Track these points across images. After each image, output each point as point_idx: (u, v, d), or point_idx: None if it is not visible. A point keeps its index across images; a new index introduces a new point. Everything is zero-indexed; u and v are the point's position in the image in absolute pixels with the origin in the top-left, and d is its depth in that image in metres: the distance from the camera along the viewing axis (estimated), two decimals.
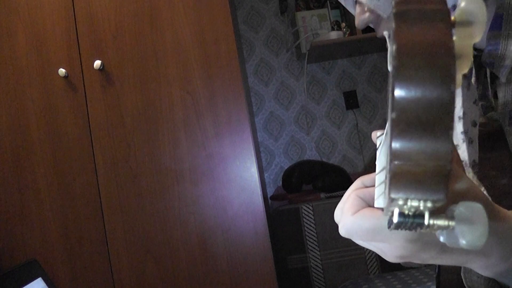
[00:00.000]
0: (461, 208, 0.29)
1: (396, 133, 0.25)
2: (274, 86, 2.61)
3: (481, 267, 0.43)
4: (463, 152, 0.58)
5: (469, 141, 0.59)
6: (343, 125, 2.60)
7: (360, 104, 2.61)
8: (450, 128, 0.25)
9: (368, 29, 2.30)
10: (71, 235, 1.68)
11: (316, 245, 1.91)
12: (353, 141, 2.59)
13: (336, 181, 2.10)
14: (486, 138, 0.60)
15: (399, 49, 0.25)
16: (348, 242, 1.90)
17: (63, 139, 1.71)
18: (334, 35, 2.33)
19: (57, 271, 1.66)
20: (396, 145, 0.26)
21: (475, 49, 0.62)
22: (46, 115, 1.72)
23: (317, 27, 2.49)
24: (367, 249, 1.90)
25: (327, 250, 1.91)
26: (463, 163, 0.58)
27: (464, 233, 0.29)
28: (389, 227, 0.30)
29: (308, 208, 1.93)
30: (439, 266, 0.61)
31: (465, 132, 0.60)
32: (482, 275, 0.46)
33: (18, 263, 1.09)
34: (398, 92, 0.25)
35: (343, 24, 2.43)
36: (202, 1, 1.73)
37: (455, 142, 0.59)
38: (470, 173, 0.57)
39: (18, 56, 1.73)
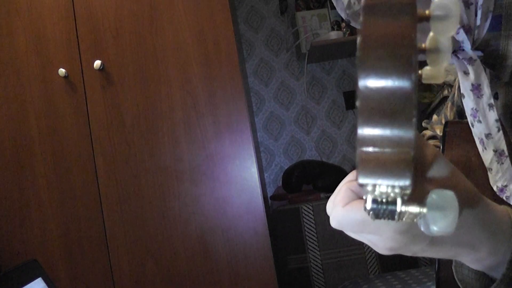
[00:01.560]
0: (433, 196, 0.30)
1: (361, 120, 0.26)
2: (274, 86, 2.61)
3: (471, 261, 0.44)
4: (498, 141, 0.57)
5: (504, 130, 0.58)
6: (343, 125, 2.60)
7: None
8: (412, 116, 0.26)
9: None
10: (71, 235, 1.68)
11: (316, 245, 1.91)
12: (353, 141, 2.59)
13: (336, 181, 2.09)
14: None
15: (364, 41, 0.26)
16: (348, 242, 1.90)
17: (63, 139, 1.71)
18: (334, 35, 2.33)
19: (57, 271, 1.66)
20: (361, 132, 0.27)
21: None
22: (46, 115, 1.72)
23: (317, 27, 2.49)
24: (367, 249, 1.90)
25: (327, 250, 1.91)
26: (498, 152, 0.57)
27: (435, 219, 0.30)
28: (365, 211, 0.31)
29: (308, 208, 1.93)
30: (439, 262, 0.61)
31: (506, 116, 0.59)
32: (472, 269, 0.46)
33: (18, 263, 1.09)
34: (362, 82, 0.26)
35: (343, 24, 2.43)
36: (202, 1, 1.73)
37: (487, 131, 0.58)
38: (506, 163, 0.57)
39: (18, 56, 1.73)
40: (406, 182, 0.27)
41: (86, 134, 1.71)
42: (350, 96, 2.61)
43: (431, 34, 0.30)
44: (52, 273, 1.64)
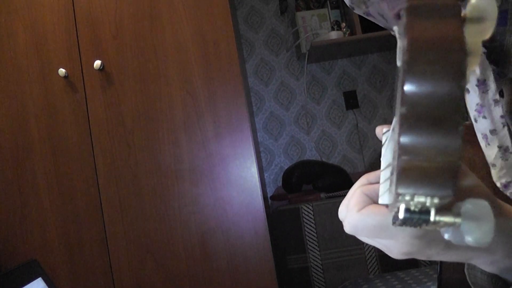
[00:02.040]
0: (468, 205, 0.29)
1: (405, 127, 0.25)
2: (274, 86, 2.61)
3: (486, 263, 0.43)
4: (503, 137, 0.57)
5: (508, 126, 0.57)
6: (343, 125, 2.60)
7: (360, 104, 2.61)
8: (459, 124, 0.25)
9: (368, 29, 2.30)
10: (71, 235, 1.68)
11: (316, 245, 1.91)
12: (353, 141, 2.59)
13: (336, 181, 2.10)
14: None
15: (411, 44, 0.25)
16: (348, 242, 1.90)
17: (63, 139, 1.71)
18: (334, 35, 2.33)
19: (57, 271, 1.66)
20: (404, 139, 0.26)
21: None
22: (46, 115, 1.72)
23: (317, 27, 2.49)
24: (367, 249, 1.90)
25: (327, 250, 1.91)
26: (503, 148, 0.57)
27: (470, 230, 0.29)
28: (393, 223, 0.30)
29: (308, 208, 1.93)
30: (441, 265, 0.61)
31: (504, 116, 0.59)
32: (486, 271, 0.46)
33: (18, 263, 1.09)
34: (409, 87, 0.25)
35: (343, 24, 2.43)
36: (202, 1, 1.73)
37: (492, 127, 0.57)
38: (511, 159, 0.56)
39: (18, 56, 1.73)
40: (449, 193, 0.26)
41: (86, 134, 1.71)
42: (350, 96, 2.61)
43: (464, 35, 0.29)
44: (52, 273, 1.64)
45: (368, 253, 1.90)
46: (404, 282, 1.35)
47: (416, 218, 0.28)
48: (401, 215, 0.28)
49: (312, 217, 1.93)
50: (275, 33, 2.64)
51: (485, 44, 0.60)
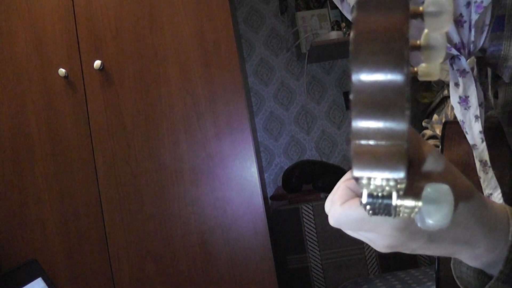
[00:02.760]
0: (428, 189, 0.30)
1: (354, 113, 0.27)
2: (274, 86, 2.61)
3: (469, 258, 0.44)
4: (481, 152, 0.58)
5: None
6: (343, 125, 2.60)
7: None
8: (404, 108, 0.26)
9: None
10: (71, 235, 1.68)
11: (316, 245, 1.91)
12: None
13: (336, 181, 2.07)
14: (485, 135, 0.60)
15: (356, 36, 0.27)
16: (348, 242, 1.90)
17: (63, 139, 1.71)
18: (334, 35, 2.33)
19: (57, 271, 1.66)
20: (355, 125, 0.27)
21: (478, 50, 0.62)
22: (46, 115, 1.72)
23: (317, 27, 2.49)
24: (367, 249, 1.90)
25: (327, 250, 1.91)
26: (482, 163, 0.58)
27: (430, 213, 0.30)
28: (361, 205, 0.31)
29: (308, 208, 1.93)
30: (439, 262, 0.61)
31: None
32: (471, 266, 0.46)
33: (18, 263, 1.09)
34: (355, 76, 0.26)
35: (343, 24, 2.43)
36: (202, 1, 1.73)
37: (472, 142, 0.59)
38: (490, 173, 0.57)
39: (18, 56, 1.73)
40: (400, 175, 0.27)
41: (86, 134, 1.71)
42: None
43: (425, 31, 0.30)
44: (52, 273, 1.64)
45: (368, 253, 1.90)
46: (404, 282, 1.35)
47: (379, 202, 0.30)
48: (364, 199, 0.30)
49: (312, 217, 1.93)
50: (275, 33, 2.64)
51: (484, 48, 0.60)
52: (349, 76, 0.27)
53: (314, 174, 2.13)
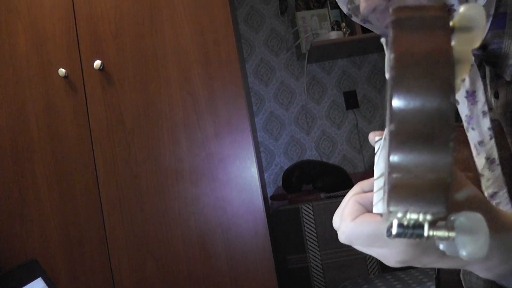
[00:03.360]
0: (462, 218, 0.29)
1: (395, 145, 0.25)
2: (274, 86, 2.61)
3: (481, 270, 0.43)
4: (490, 149, 0.57)
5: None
6: (343, 125, 2.60)
7: (360, 104, 2.61)
8: (450, 140, 0.24)
9: (368, 29, 2.30)
10: (71, 235, 1.68)
11: (316, 245, 1.91)
12: (353, 141, 2.59)
13: (336, 181, 2.10)
14: None
15: (398, 59, 0.25)
16: None
17: (63, 139, 1.71)
18: (334, 35, 2.33)
19: (57, 271, 1.66)
20: (394, 157, 0.25)
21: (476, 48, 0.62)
22: (46, 115, 1.72)
23: (317, 27, 2.49)
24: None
25: (327, 250, 1.91)
26: (490, 160, 0.57)
27: (465, 244, 0.28)
28: (388, 236, 0.29)
29: (308, 208, 1.93)
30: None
31: (492, 128, 0.59)
32: (481, 277, 0.46)
33: (18, 263, 1.09)
34: (397, 103, 0.25)
35: (343, 24, 2.43)
36: (202, 1, 1.73)
37: (480, 139, 0.57)
38: (497, 170, 0.56)
39: (18, 56, 1.73)
40: (441, 209, 0.26)
41: (86, 134, 1.71)
42: (350, 96, 2.61)
43: (452, 44, 0.28)
44: (52, 273, 1.64)
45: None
46: (404, 282, 1.35)
47: (410, 233, 0.28)
48: (394, 230, 0.28)
49: (312, 217, 1.93)
50: (275, 33, 2.64)
51: (483, 46, 0.60)
52: (388, 103, 0.25)
53: (314, 174, 2.13)
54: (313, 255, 1.91)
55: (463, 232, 0.28)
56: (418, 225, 0.28)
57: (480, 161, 0.58)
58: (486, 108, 0.57)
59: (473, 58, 0.59)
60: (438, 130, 0.24)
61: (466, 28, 0.28)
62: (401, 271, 1.51)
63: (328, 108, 2.60)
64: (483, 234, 0.28)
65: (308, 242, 1.92)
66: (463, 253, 0.28)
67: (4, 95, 1.73)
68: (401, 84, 0.24)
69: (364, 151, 2.58)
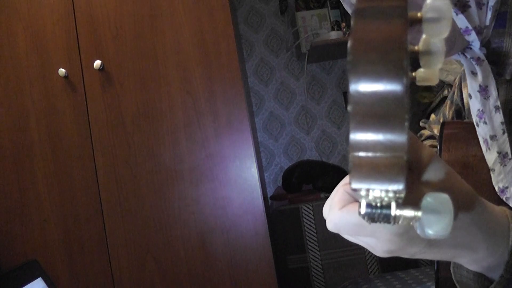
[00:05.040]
0: (428, 199, 0.30)
1: (353, 125, 0.26)
2: (274, 86, 2.61)
3: (469, 262, 0.44)
4: (502, 143, 0.57)
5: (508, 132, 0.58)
6: (343, 125, 2.60)
7: None
8: (404, 119, 0.26)
9: None
10: (71, 235, 1.68)
11: (316, 245, 1.91)
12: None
13: (336, 181, 2.07)
14: None
15: (354, 45, 0.26)
16: (348, 242, 1.90)
17: (63, 139, 1.71)
18: (334, 35, 2.33)
19: (57, 271, 1.66)
20: (353, 136, 0.26)
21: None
22: (46, 115, 1.72)
23: (317, 27, 2.49)
24: (367, 249, 1.90)
25: (327, 250, 1.91)
26: (502, 154, 0.57)
27: (430, 223, 0.29)
28: (359, 215, 0.30)
29: (308, 208, 1.93)
30: (438, 263, 0.61)
31: (506, 113, 0.59)
32: (471, 270, 0.46)
33: (18, 263, 1.09)
34: (353, 86, 0.26)
35: (343, 24, 2.43)
36: (202, 1, 1.73)
37: (492, 133, 0.58)
38: (509, 165, 0.56)
39: (18, 56, 1.73)
40: (400, 187, 0.27)
41: (86, 134, 1.71)
42: None
43: (424, 36, 0.30)
44: (52, 273, 1.64)
45: (368, 253, 1.90)
46: (404, 282, 1.35)
47: (378, 212, 0.29)
48: (363, 210, 0.29)
49: (312, 217, 1.93)
50: (275, 33, 2.64)
51: (485, 45, 0.60)
52: (347, 86, 0.26)
53: (314, 174, 2.13)
54: (313, 255, 1.91)
55: (429, 212, 0.29)
56: (386, 206, 0.29)
57: (491, 156, 0.58)
58: (498, 103, 0.57)
59: (483, 49, 0.59)
60: (393, 111, 0.26)
61: (433, 19, 0.29)
62: (401, 271, 1.51)
63: (328, 108, 2.61)
64: (448, 213, 0.29)
65: (308, 242, 1.92)
66: (429, 232, 0.29)
67: (4, 95, 1.73)
68: (357, 68, 0.26)
69: None
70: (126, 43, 1.73)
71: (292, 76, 2.61)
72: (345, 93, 2.61)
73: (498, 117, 0.57)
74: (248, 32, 2.63)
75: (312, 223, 1.92)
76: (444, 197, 0.30)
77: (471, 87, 0.59)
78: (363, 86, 0.26)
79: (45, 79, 1.73)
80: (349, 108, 0.26)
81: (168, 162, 1.69)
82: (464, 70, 0.66)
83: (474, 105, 0.59)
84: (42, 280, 1.04)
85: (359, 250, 1.90)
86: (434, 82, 0.31)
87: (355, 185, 0.27)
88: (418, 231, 0.31)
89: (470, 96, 0.60)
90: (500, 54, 0.59)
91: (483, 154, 0.59)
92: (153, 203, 1.68)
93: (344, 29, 2.40)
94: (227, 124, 1.69)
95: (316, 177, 2.13)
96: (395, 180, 0.27)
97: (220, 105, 1.70)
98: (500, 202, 0.57)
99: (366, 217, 0.30)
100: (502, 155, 0.57)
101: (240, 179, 1.68)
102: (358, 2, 0.27)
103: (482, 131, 0.59)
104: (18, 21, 1.74)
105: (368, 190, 0.28)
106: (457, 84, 0.84)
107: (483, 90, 0.58)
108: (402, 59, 0.25)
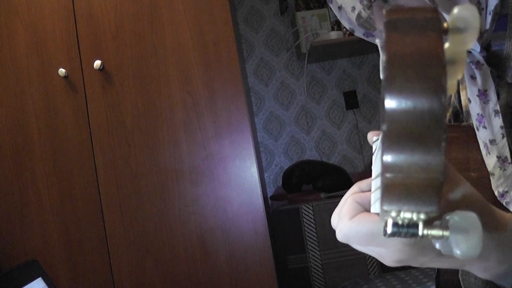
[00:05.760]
0: (456, 218, 0.29)
1: (387, 145, 0.25)
2: (274, 86, 2.61)
3: (479, 270, 0.43)
4: (502, 148, 0.57)
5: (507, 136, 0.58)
6: (343, 125, 2.60)
7: (360, 104, 2.61)
8: (441, 140, 0.25)
9: None
10: (71, 235, 1.68)
11: (316, 245, 1.91)
12: (353, 141, 2.59)
13: (336, 181, 2.10)
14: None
15: (390, 60, 0.25)
16: None
17: (63, 139, 1.71)
18: (334, 35, 2.33)
19: (57, 271, 1.66)
20: (387, 157, 0.25)
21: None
22: (46, 115, 1.72)
23: (317, 27, 2.49)
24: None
25: (327, 250, 1.91)
26: (501, 159, 0.57)
27: (458, 243, 0.28)
28: (384, 235, 0.30)
29: (308, 208, 1.93)
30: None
31: (506, 117, 0.59)
32: (479, 277, 0.46)
33: (18, 263, 1.09)
34: (389, 104, 0.25)
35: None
36: (202, 1, 1.73)
37: (491, 138, 0.58)
38: (509, 170, 0.56)
39: (18, 56, 1.73)
40: (433, 209, 0.26)
41: (86, 134, 1.71)
42: (350, 96, 2.61)
43: (446, 45, 0.29)
44: (52, 273, 1.64)
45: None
46: (404, 282, 1.35)
47: (404, 232, 0.29)
48: (389, 229, 0.29)
49: (312, 217, 1.93)
50: (275, 33, 2.64)
51: (485, 48, 0.60)
52: (382, 103, 0.25)
53: (314, 174, 2.13)
54: (313, 255, 1.91)
55: (457, 231, 0.29)
56: (413, 224, 0.28)
57: (490, 160, 0.58)
58: (497, 107, 0.57)
59: (483, 52, 0.59)
60: (430, 131, 0.25)
61: (459, 29, 0.28)
62: (401, 271, 1.51)
63: (328, 108, 2.60)
64: (477, 233, 0.28)
65: (308, 242, 1.92)
66: (457, 251, 0.28)
67: (4, 95, 1.73)
68: (393, 85, 0.25)
69: (364, 151, 2.58)
70: (126, 43, 1.73)
71: (292, 76, 2.61)
72: (345, 93, 2.61)
73: (498, 122, 0.57)
74: (248, 32, 2.63)
75: (312, 223, 1.92)
76: (472, 216, 0.29)
77: (470, 91, 0.59)
78: (399, 104, 0.25)
79: (45, 79, 1.73)
80: (383, 127, 0.25)
81: (168, 162, 1.69)
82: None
83: (474, 109, 0.59)
84: (42, 280, 1.04)
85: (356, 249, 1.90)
86: (451, 92, 0.30)
87: (386, 207, 0.26)
88: (438, 246, 0.30)
89: (469, 100, 0.59)
90: (501, 57, 0.59)
91: (483, 158, 0.59)
92: (153, 203, 1.68)
93: (344, 29, 2.40)
94: (227, 124, 1.69)
95: (316, 177, 2.13)
96: (428, 202, 0.26)
97: (220, 105, 1.70)
98: (500, 207, 0.57)
99: (387, 234, 0.29)
100: (502, 160, 0.57)
101: (240, 179, 1.68)
102: (390, 13, 0.26)
103: (482, 135, 0.59)
104: (18, 21, 1.74)
105: (399, 211, 0.27)
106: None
107: (482, 95, 0.58)
108: (440, 76, 0.25)
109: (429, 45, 0.25)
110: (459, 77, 0.29)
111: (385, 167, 0.26)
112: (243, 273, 1.64)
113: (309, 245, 1.92)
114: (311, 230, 1.92)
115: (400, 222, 0.28)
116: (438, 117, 0.25)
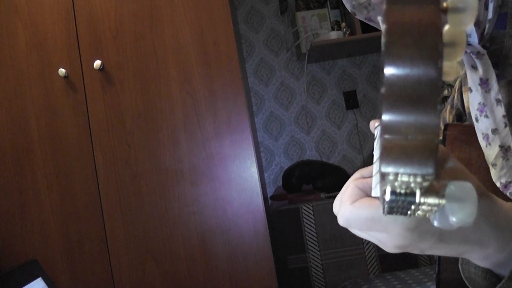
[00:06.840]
0: (452, 187, 0.30)
1: (386, 107, 0.26)
2: (274, 86, 2.61)
3: (479, 258, 0.44)
4: (505, 137, 0.57)
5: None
6: (343, 125, 2.60)
7: (360, 104, 2.61)
8: (437, 102, 0.26)
9: (368, 29, 2.30)
10: (71, 235, 1.68)
11: (316, 245, 1.91)
12: (353, 141, 2.59)
13: (336, 181, 2.10)
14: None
15: (389, 28, 0.26)
16: (348, 242, 1.90)
17: (63, 139, 1.71)
18: (334, 35, 2.33)
19: (57, 271, 1.66)
20: (385, 118, 0.26)
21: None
22: (46, 115, 1.72)
23: (317, 27, 2.49)
24: (367, 249, 1.90)
25: (327, 250, 1.91)
26: (504, 148, 0.56)
27: (454, 210, 0.29)
28: (383, 211, 0.30)
29: (308, 208, 1.93)
30: (439, 265, 0.61)
31: (507, 115, 0.59)
32: (479, 266, 0.46)
33: (18, 263, 1.09)
34: (388, 69, 0.26)
35: (343, 24, 2.43)
36: (202, 1, 1.73)
37: (494, 127, 0.57)
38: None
39: (18, 56, 1.73)
40: (430, 170, 0.27)
41: (86, 134, 1.71)
42: (350, 96, 2.61)
43: (446, 27, 0.30)
44: (52, 273, 1.64)
45: (368, 253, 1.90)
46: (404, 282, 1.35)
47: (402, 200, 0.29)
48: (388, 197, 0.29)
49: (312, 217, 1.93)
50: (275, 33, 2.64)
51: (485, 46, 0.60)
52: (381, 69, 0.27)
53: (314, 174, 2.13)
54: (313, 255, 1.91)
55: (453, 200, 0.30)
56: (410, 193, 0.29)
57: (492, 151, 0.58)
58: (499, 96, 0.57)
59: (482, 48, 0.59)
60: (426, 94, 0.26)
61: (458, 9, 0.29)
62: (401, 271, 1.51)
63: (328, 108, 2.60)
64: (473, 201, 0.29)
65: (308, 242, 1.92)
66: (453, 219, 0.29)
67: (4, 95, 1.73)
68: (392, 51, 0.26)
69: (364, 151, 2.58)
70: (126, 43, 1.73)
71: (292, 76, 2.61)
72: (345, 93, 2.61)
73: (500, 110, 0.57)
74: (248, 32, 2.63)
75: (312, 223, 1.92)
76: (468, 185, 0.30)
77: (471, 80, 0.59)
78: (398, 69, 0.26)
79: (45, 79, 1.73)
80: (382, 90, 0.27)
81: (168, 162, 1.69)
82: (464, 74, 0.66)
83: (475, 98, 0.59)
84: (42, 280, 1.04)
85: (359, 250, 1.90)
86: (452, 76, 0.31)
87: (384, 168, 0.27)
88: (436, 223, 0.31)
89: (470, 89, 0.59)
90: (501, 55, 0.59)
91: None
92: (153, 203, 1.68)
93: (344, 29, 2.40)
94: (227, 124, 1.69)
95: (316, 177, 2.13)
96: (425, 164, 0.27)
97: (220, 105, 1.70)
98: (504, 199, 0.57)
99: (385, 206, 0.30)
100: (505, 149, 0.57)
101: (240, 179, 1.68)
102: None
103: (483, 126, 0.58)
104: (18, 21, 1.74)
105: (396, 175, 0.28)
106: (457, 88, 0.84)
107: (484, 83, 0.58)
108: (437, 43, 0.26)
109: (427, 16, 0.26)
110: (459, 58, 0.30)
111: (384, 128, 0.27)
112: (243, 273, 1.64)
113: (309, 245, 1.92)
114: (311, 230, 1.92)
115: (398, 190, 0.29)
116: (434, 81, 0.26)
